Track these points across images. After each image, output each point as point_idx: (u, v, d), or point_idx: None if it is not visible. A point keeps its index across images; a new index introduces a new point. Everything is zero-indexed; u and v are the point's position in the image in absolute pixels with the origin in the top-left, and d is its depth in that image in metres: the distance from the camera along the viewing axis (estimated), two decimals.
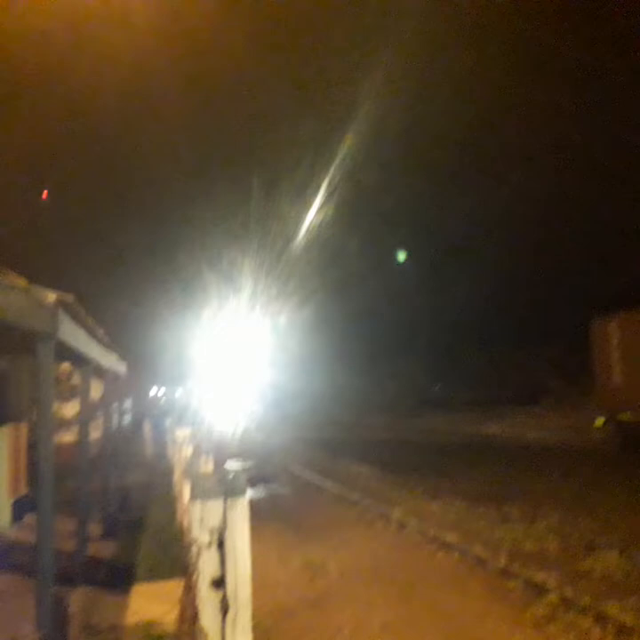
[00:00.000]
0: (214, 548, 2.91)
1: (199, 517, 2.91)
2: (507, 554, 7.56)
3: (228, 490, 2.95)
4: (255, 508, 4.66)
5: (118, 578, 7.27)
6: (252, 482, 8.60)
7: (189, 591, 5.90)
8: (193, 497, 2.92)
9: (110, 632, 5.47)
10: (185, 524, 7.49)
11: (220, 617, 2.90)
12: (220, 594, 2.91)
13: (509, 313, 47.75)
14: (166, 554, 8.01)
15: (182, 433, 9.98)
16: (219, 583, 2.93)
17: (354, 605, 6.30)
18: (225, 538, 2.93)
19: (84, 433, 7.91)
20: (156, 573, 7.31)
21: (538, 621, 5.60)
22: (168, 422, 22.50)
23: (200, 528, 2.91)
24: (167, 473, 16.58)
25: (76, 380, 19.92)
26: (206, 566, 2.91)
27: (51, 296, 4.50)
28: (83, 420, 7.94)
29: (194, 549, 2.91)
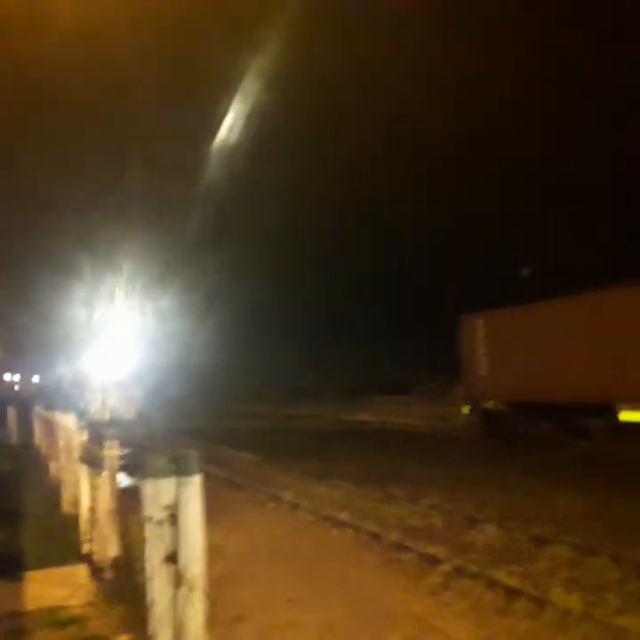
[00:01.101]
0: (167, 525, 2.94)
1: (152, 495, 2.93)
2: (397, 529, 8.00)
3: (181, 469, 3.00)
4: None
5: (4, 566, 6.94)
6: (128, 469, 8.50)
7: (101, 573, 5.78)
8: (145, 475, 2.93)
9: (11, 619, 5.25)
10: (78, 510, 7.28)
11: (172, 591, 2.94)
12: (172, 569, 2.94)
13: (382, 306, 49.51)
14: (55, 541, 7.74)
15: (66, 419, 9.60)
16: (171, 558, 2.96)
17: (257, 584, 6.42)
18: (178, 515, 2.96)
19: None
20: (48, 560, 7.03)
21: (434, 589, 6.00)
22: (35, 409, 21.46)
23: (152, 505, 2.92)
24: (36, 461, 15.89)
25: None
26: (159, 542, 2.93)
27: None
28: None
29: (146, 526, 2.92)
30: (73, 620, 5.20)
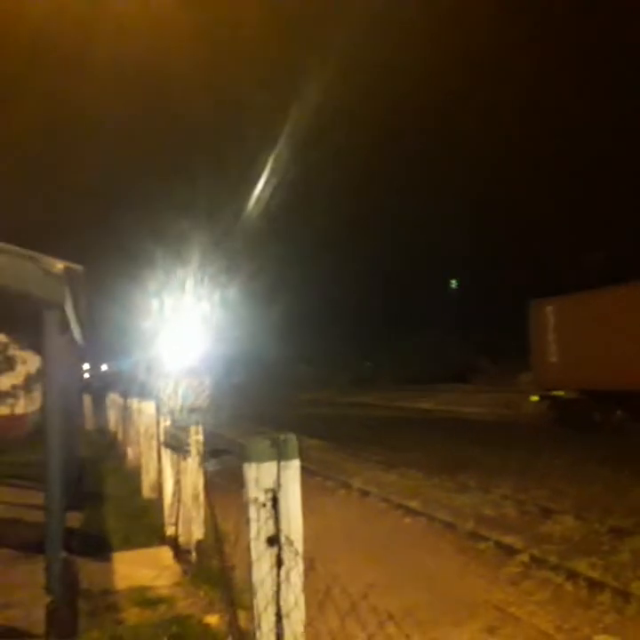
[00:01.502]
0: (269, 507, 3.04)
1: (254, 478, 3.03)
2: (471, 518, 7.99)
3: (282, 453, 3.09)
4: (223, 478, 4.79)
5: (92, 547, 7.27)
6: (214, 454, 8.66)
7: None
8: (247, 459, 3.03)
9: (103, 596, 5.51)
10: (159, 494, 7.54)
11: (275, 571, 3.04)
12: (274, 550, 3.04)
13: (435, 299, 49.17)
14: (138, 524, 8.05)
15: (146, 405, 9.94)
16: (273, 540, 3.06)
17: (336, 567, 6.50)
18: (279, 497, 3.06)
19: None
20: (132, 542, 7.34)
21: (513, 579, 5.99)
22: (110, 396, 22.29)
23: (256, 488, 3.03)
24: (112, 446, 16.46)
25: (12, 350, 19.35)
26: (261, 524, 3.04)
27: (59, 265, 4.45)
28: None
29: (250, 508, 3.03)
30: (161, 600, 5.42)
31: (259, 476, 3.07)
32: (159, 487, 9.76)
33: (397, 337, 50.98)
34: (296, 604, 3.13)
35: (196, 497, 6.00)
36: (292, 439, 3.19)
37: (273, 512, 3.09)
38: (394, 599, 5.66)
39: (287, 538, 3.11)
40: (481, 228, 43.25)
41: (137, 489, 9.97)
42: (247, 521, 3.07)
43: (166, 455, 7.16)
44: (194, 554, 6.02)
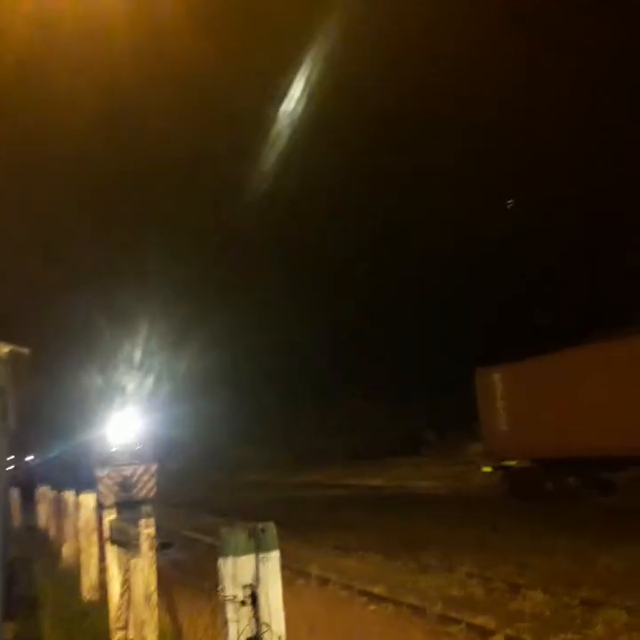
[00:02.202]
0: (248, 605, 2.74)
1: (231, 574, 2.74)
2: (439, 601, 7.63)
3: (260, 544, 2.82)
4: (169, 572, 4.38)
5: None
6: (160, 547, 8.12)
7: None
8: (224, 553, 2.75)
9: None
10: (101, 595, 6.91)
11: None
12: None
13: (382, 367, 49.32)
14: (80, 629, 7.36)
15: (85, 498, 9.29)
16: None
17: None
18: (258, 594, 2.77)
19: None
20: None
21: None
22: (40, 489, 21.25)
23: (233, 585, 2.74)
24: (44, 544, 15.41)
25: None
26: (241, 624, 2.73)
27: (3, 348, 4.13)
28: None
29: (228, 607, 2.73)
30: None
31: (235, 571, 2.77)
32: (101, 587, 9.06)
33: (344, 409, 50.72)
34: None
35: (148, 597, 5.49)
36: (271, 528, 2.91)
37: (253, 610, 2.79)
38: None
39: (271, 637, 2.79)
40: (422, 289, 43.74)
41: (75, 590, 9.20)
42: (225, 622, 2.75)
43: (112, 552, 6.61)
44: None
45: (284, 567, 9.42)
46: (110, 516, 6.81)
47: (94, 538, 9.04)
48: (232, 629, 2.73)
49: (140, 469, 21.64)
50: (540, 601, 7.46)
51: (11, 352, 4.08)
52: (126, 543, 6.00)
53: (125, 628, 5.99)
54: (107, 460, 21.44)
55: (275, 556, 2.88)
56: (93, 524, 9.07)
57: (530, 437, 17.51)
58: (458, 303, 42.76)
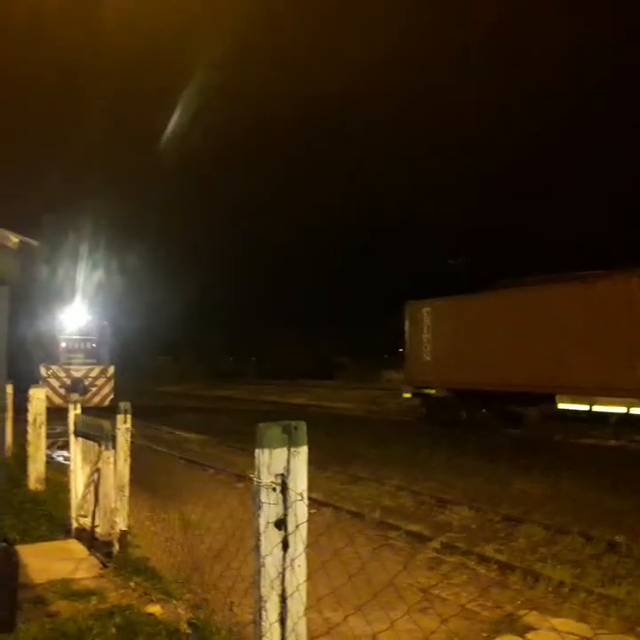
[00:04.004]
0: (278, 492, 3.08)
1: (267, 463, 3.06)
2: (376, 509, 8.31)
3: (292, 439, 3.14)
4: None
5: None
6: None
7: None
8: (260, 445, 3.06)
9: (23, 590, 5.17)
10: (70, 484, 7.12)
11: (281, 554, 3.08)
12: (281, 533, 3.08)
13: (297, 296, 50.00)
14: (34, 516, 7.59)
15: (37, 392, 9.34)
16: (280, 524, 3.10)
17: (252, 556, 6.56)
18: (288, 482, 3.10)
19: None
20: (32, 536, 6.92)
21: (430, 564, 6.35)
22: None
23: (268, 473, 3.06)
24: None
25: None
26: (270, 508, 3.07)
27: (14, 238, 4.16)
28: None
29: (261, 492, 3.05)
30: (90, 592, 5.19)
31: (271, 461, 3.10)
32: (47, 479, 9.28)
33: (262, 331, 51.28)
34: (299, 586, 3.18)
35: (121, 488, 5.80)
36: (302, 426, 3.24)
37: (282, 497, 3.13)
38: (320, 584, 5.79)
39: (295, 521, 3.16)
40: (353, 235, 44.70)
41: (20, 482, 9.36)
42: (258, 505, 3.08)
43: (77, 445, 6.82)
44: (116, 546, 5.81)
45: (221, 471, 9.97)
46: (76, 411, 6.99)
47: (43, 431, 9.17)
48: (264, 511, 3.08)
49: (95, 371, 19.15)
50: (466, 515, 8.25)
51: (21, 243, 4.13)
52: (97, 437, 6.23)
53: (93, 515, 6.27)
54: (54, 357, 19.04)
55: (303, 450, 3.21)
56: (43, 417, 9.18)
57: (450, 369, 18.58)
58: (379, 243, 43.76)
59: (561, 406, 15.32)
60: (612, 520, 7.70)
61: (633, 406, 13.91)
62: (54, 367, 18.57)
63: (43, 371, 18.35)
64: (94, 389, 18.69)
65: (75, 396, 15.56)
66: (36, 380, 17.14)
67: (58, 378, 18.34)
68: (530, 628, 4.71)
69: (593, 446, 14.98)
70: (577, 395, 14.92)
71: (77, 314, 20.08)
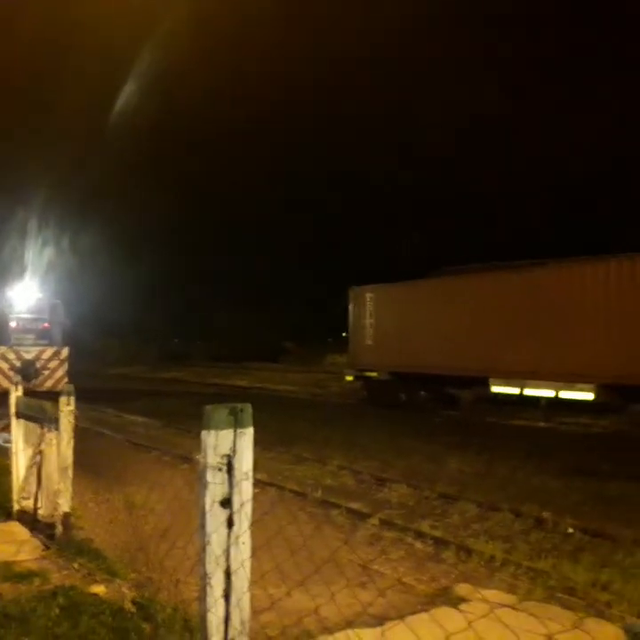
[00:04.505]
0: (224, 472, 3.20)
1: (213, 445, 3.17)
2: (318, 488, 8.52)
3: (239, 421, 3.26)
4: None
5: None
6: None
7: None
8: (207, 427, 3.17)
9: None
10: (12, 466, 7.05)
11: (226, 531, 3.21)
12: (226, 512, 3.21)
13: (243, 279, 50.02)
14: None
15: None
16: (225, 503, 3.23)
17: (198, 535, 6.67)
18: (234, 463, 3.23)
19: None
20: None
21: (369, 540, 6.60)
22: None
23: (214, 454, 3.17)
24: None
25: None
26: (216, 488, 3.19)
27: None
28: None
29: (208, 472, 3.17)
30: (32, 574, 5.21)
31: (217, 442, 3.21)
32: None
33: (205, 315, 50.95)
34: (243, 562, 3.31)
35: (65, 469, 5.80)
36: (248, 408, 3.36)
37: (227, 477, 3.25)
38: (264, 561, 5.95)
39: (240, 500, 3.28)
40: (298, 220, 44.79)
41: None
42: (204, 485, 3.19)
43: (19, 427, 6.77)
44: (59, 527, 5.82)
45: (165, 453, 9.99)
46: (17, 393, 6.92)
47: None
48: (210, 490, 3.19)
49: (48, 353, 17.86)
50: (404, 493, 8.55)
51: None
52: (39, 419, 6.21)
53: (35, 497, 6.26)
54: (2, 338, 17.90)
55: (249, 431, 3.33)
56: None
57: (391, 353, 19.00)
58: (324, 228, 44.16)
59: (494, 389, 15.91)
60: (540, 498, 8.10)
61: (561, 390, 14.57)
62: (3, 348, 17.30)
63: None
64: (47, 373, 17.51)
65: (17, 379, 14.90)
66: None
67: (7, 360, 17.08)
68: (462, 600, 4.98)
69: (523, 428, 15.61)
70: (509, 378, 15.53)
71: (27, 292, 18.76)
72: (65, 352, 18.06)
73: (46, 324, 18.61)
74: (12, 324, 18.07)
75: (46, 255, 20.21)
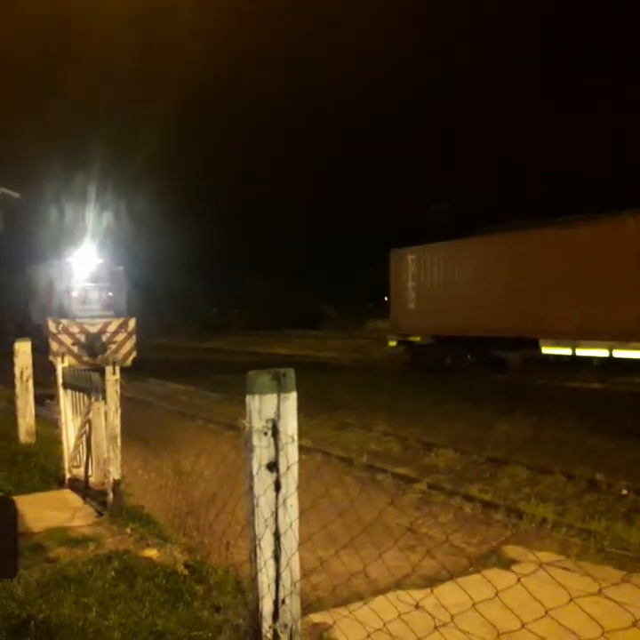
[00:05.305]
0: (269, 436, 3.16)
1: (257, 409, 3.14)
2: (363, 453, 8.50)
3: (282, 386, 3.22)
4: None
5: None
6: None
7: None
8: (251, 392, 3.14)
9: (22, 538, 5.29)
10: (62, 436, 7.19)
11: (274, 494, 3.18)
12: (273, 475, 3.18)
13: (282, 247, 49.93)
14: (26, 468, 7.70)
15: (22, 345, 9.32)
16: (271, 466, 3.20)
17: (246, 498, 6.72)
18: (279, 427, 3.19)
19: None
20: (26, 486, 7.03)
21: (416, 504, 6.55)
22: None
23: (258, 418, 3.14)
24: None
25: None
26: (262, 451, 3.16)
27: None
28: None
29: (253, 436, 3.13)
30: (87, 539, 5.32)
31: (262, 406, 3.18)
32: (37, 432, 9.35)
33: (245, 282, 51.10)
34: (291, 524, 3.30)
35: (113, 438, 5.88)
36: (291, 373, 3.33)
37: (273, 440, 3.22)
38: (312, 526, 5.97)
39: (285, 463, 3.25)
40: (330, 180, 44.43)
41: (10, 435, 9.44)
42: (250, 449, 3.16)
43: (67, 397, 6.89)
44: (110, 494, 5.92)
45: (209, 420, 10.04)
46: (63, 363, 7.03)
47: (30, 384, 9.20)
48: (257, 454, 3.17)
49: (114, 325, 16.40)
50: (452, 457, 8.46)
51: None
52: (87, 389, 6.29)
53: (86, 465, 6.38)
54: (64, 309, 16.49)
55: (292, 396, 3.31)
56: (30, 371, 9.19)
57: (434, 316, 18.75)
58: (361, 194, 43.69)
59: (544, 351, 15.56)
60: (593, 459, 7.94)
61: (615, 349, 14.16)
62: (65, 321, 15.77)
63: (51, 326, 15.52)
64: (114, 347, 16.14)
65: (84, 355, 13.86)
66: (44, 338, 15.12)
67: (70, 334, 15.65)
68: (514, 562, 4.91)
69: (575, 389, 15.26)
70: (560, 339, 15.15)
71: (88, 258, 17.22)
72: (132, 323, 16.84)
73: (110, 293, 17.37)
74: (74, 294, 16.79)
75: (105, 220, 19.19)
